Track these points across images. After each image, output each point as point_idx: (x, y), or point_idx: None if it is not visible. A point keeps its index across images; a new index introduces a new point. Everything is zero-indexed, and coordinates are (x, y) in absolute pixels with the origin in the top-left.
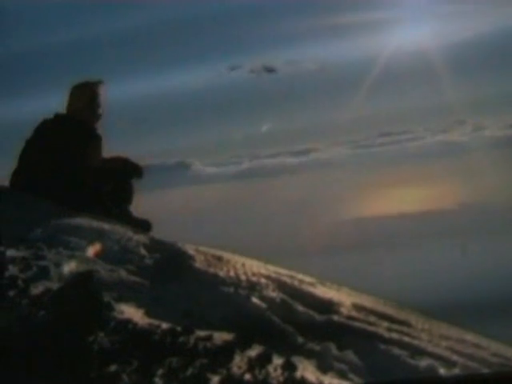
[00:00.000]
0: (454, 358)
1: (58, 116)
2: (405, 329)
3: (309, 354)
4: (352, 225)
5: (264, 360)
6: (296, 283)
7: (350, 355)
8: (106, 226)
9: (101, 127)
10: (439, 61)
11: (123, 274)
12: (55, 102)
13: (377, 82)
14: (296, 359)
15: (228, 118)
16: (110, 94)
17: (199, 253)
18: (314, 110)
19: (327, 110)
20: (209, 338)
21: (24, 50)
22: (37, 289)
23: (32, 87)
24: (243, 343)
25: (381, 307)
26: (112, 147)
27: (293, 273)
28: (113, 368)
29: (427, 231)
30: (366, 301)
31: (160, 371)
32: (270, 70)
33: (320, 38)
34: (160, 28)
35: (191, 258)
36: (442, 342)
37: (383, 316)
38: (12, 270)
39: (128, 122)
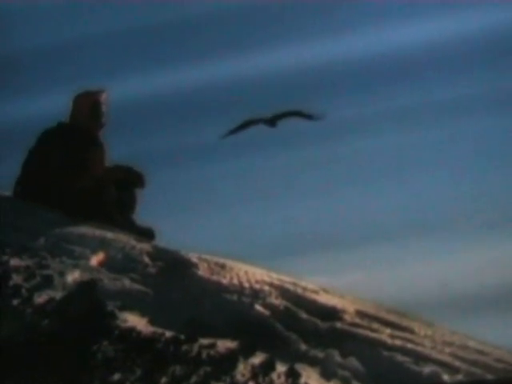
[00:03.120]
0: (458, 364)
1: (60, 125)
2: (408, 335)
3: (312, 361)
4: None
5: (267, 367)
6: (299, 290)
7: (354, 362)
8: (110, 235)
9: (103, 136)
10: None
11: (127, 282)
12: (53, 103)
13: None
14: (299, 366)
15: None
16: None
17: (202, 260)
18: None
19: None
20: (212, 346)
21: (22, 49)
22: (40, 298)
23: (30, 87)
24: (247, 351)
25: (384, 314)
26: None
27: (296, 280)
28: (117, 376)
29: None
30: (369, 308)
31: (164, 379)
32: (271, 124)
33: None
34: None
35: (194, 265)
36: (445, 348)
37: (386, 323)
38: (16, 279)
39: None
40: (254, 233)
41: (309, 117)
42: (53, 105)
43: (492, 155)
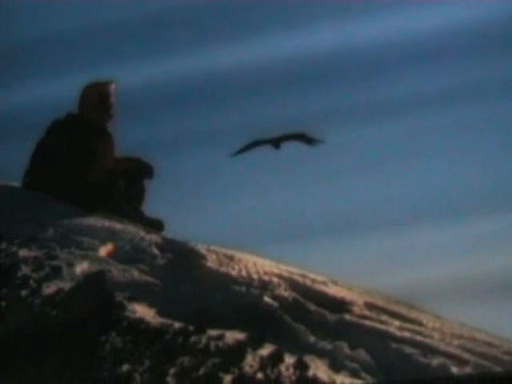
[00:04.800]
0: (466, 356)
1: (69, 116)
2: (416, 327)
3: (321, 353)
4: None
5: (276, 359)
6: (308, 282)
7: (362, 354)
8: (119, 226)
9: (113, 127)
10: None
11: (135, 273)
12: (58, 91)
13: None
14: (308, 358)
15: None
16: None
17: (211, 252)
18: None
19: None
20: (221, 338)
21: (26, 38)
22: (49, 288)
23: (35, 75)
24: (255, 342)
25: (392, 306)
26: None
27: (305, 272)
28: (125, 368)
29: None
30: (378, 300)
31: (172, 371)
32: (275, 146)
33: None
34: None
35: (203, 257)
36: (453, 340)
37: (395, 315)
38: (24, 269)
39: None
40: (261, 221)
41: (310, 141)
42: (59, 93)
43: (495, 143)
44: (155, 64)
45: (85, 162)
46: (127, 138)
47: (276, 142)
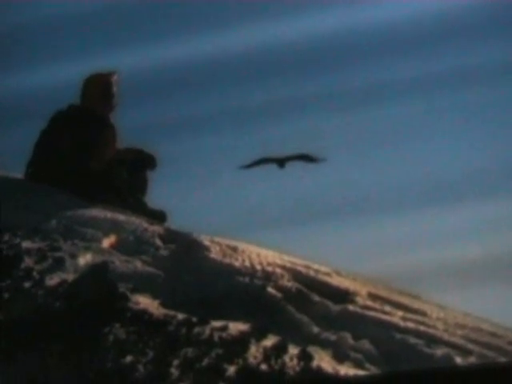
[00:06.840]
0: (470, 346)
1: (71, 107)
2: (420, 318)
3: (324, 344)
4: None
5: (280, 350)
6: (312, 273)
7: (366, 344)
8: (122, 217)
9: (115, 117)
10: None
11: (138, 264)
12: (57, 78)
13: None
14: (312, 349)
15: None
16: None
17: (214, 243)
18: None
19: None
20: (224, 329)
21: (24, 24)
22: (52, 280)
23: (32, 61)
24: (259, 333)
25: (396, 296)
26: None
27: (308, 262)
28: (128, 359)
29: None
30: (382, 290)
31: (176, 362)
32: (280, 164)
33: None
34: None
35: (206, 248)
36: (457, 330)
37: (399, 305)
38: (27, 261)
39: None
40: (264, 210)
41: (313, 160)
42: (58, 79)
43: (499, 125)
44: (154, 49)
45: (87, 153)
46: (128, 126)
47: (281, 162)
